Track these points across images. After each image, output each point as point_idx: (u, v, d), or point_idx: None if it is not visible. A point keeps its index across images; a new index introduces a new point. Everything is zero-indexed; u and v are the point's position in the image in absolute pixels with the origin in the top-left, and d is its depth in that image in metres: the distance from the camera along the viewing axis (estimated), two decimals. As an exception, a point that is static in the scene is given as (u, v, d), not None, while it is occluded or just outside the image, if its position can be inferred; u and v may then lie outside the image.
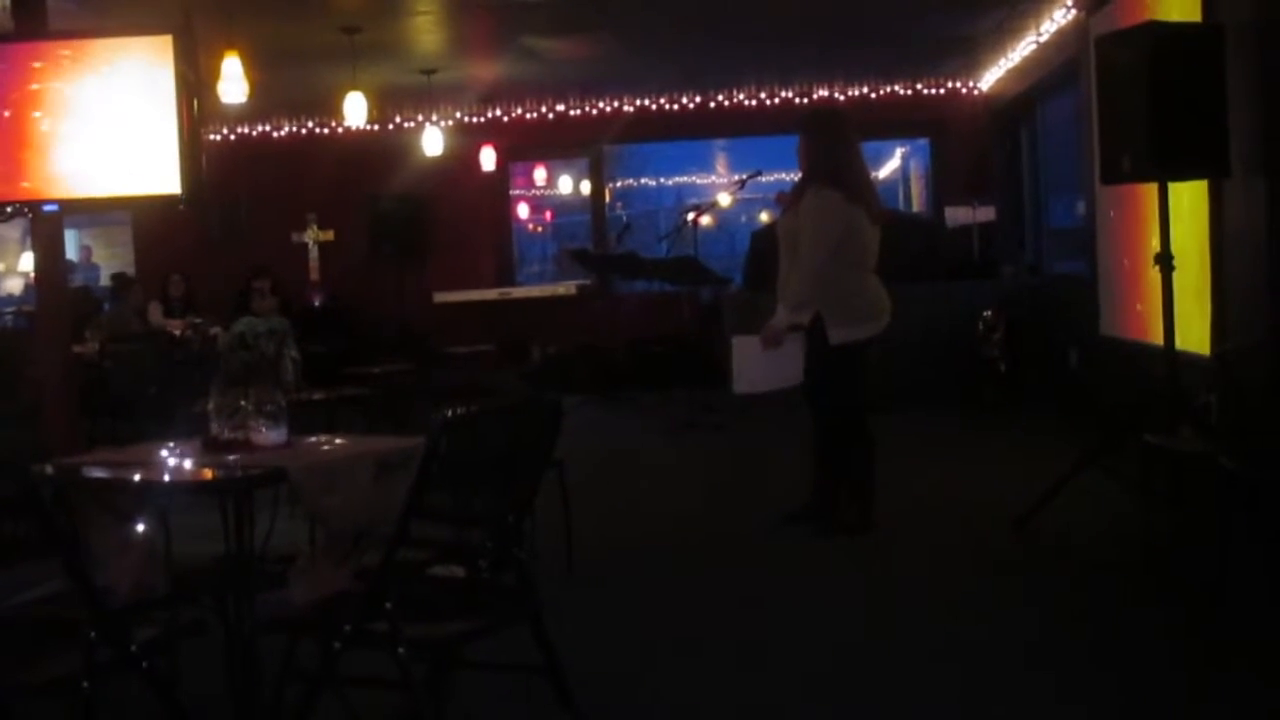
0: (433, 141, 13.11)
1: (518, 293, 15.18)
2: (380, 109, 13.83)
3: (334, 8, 10.00)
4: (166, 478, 3.81)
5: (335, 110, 11.90)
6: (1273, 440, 6.04)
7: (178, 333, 11.62)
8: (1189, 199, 6.88)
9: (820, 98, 14.68)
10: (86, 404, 8.29)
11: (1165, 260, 6.18)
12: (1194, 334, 6.79)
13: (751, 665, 4.77)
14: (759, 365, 6.67)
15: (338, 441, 4.22)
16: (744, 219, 20.96)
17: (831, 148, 6.64)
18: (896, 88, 14.75)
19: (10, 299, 17.61)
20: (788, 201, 6.90)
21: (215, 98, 9.06)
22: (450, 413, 3.53)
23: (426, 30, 11.17)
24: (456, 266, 14.89)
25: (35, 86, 5.70)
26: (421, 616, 3.55)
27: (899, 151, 18.85)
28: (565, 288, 15.22)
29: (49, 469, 3.90)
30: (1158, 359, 6.43)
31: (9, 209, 6.16)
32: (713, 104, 14.95)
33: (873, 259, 6.67)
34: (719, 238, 19.78)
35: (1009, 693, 4.38)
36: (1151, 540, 5.76)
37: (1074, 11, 10.31)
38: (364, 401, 8.36)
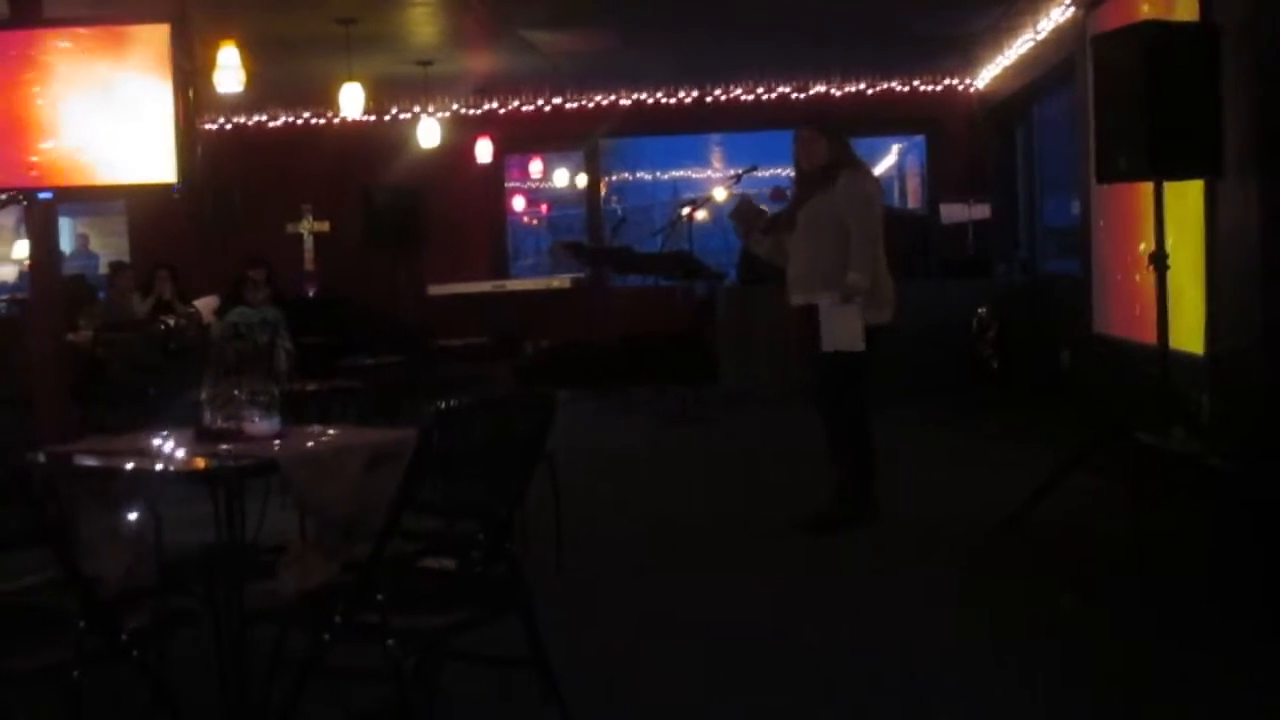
0: (428, 133, 13.10)
1: (512, 285, 15.16)
2: (376, 100, 13.81)
3: (330, -2, 9.99)
4: (158, 467, 3.81)
5: (331, 101, 11.89)
6: (1265, 440, 6.05)
7: (172, 321, 11.60)
8: (1184, 199, 6.89)
9: (816, 94, 14.67)
10: (79, 392, 8.29)
11: (1159, 259, 6.19)
12: (1187, 333, 6.80)
13: (739, 659, 4.77)
14: (841, 320, 6.62)
15: (330, 432, 4.22)
16: (739, 214, 20.92)
17: (845, 140, 6.80)
18: (893, 84, 14.74)
19: (3, 286, 17.57)
20: (809, 186, 6.86)
21: (211, 87, 9.05)
22: (443, 405, 3.54)
23: (423, 21, 11.16)
24: (451, 259, 14.88)
25: (30, 74, 5.69)
26: (411, 608, 3.55)
27: (895, 148, 18.85)
28: (560, 281, 15.20)
29: (40, 457, 3.90)
30: (1151, 358, 6.43)
31: (3, 196, 6.16)
32: (709, 98, 14.95)
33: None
34: (714, 232, 19.70)
35: (999, 690, 4.39)
36: (1142, 540, 5.76)
37: (1071, 10, 10.32)
38: (357, 393, 8.36)
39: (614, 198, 19.48)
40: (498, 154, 14.94)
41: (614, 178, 19.28)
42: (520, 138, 15.51)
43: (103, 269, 15.20)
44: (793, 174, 7.22)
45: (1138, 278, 7.70)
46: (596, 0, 10.27)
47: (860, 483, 6.67)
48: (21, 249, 16.04)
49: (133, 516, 3.94)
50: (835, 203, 6.64)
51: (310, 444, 3.98)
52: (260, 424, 3.98)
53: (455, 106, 14.96)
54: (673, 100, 14.98)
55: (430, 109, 14.03)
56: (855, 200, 6.63)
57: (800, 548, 6.41)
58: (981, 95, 14.62)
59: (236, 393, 4.00)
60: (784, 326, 8.01)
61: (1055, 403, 10.00)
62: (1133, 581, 5.53)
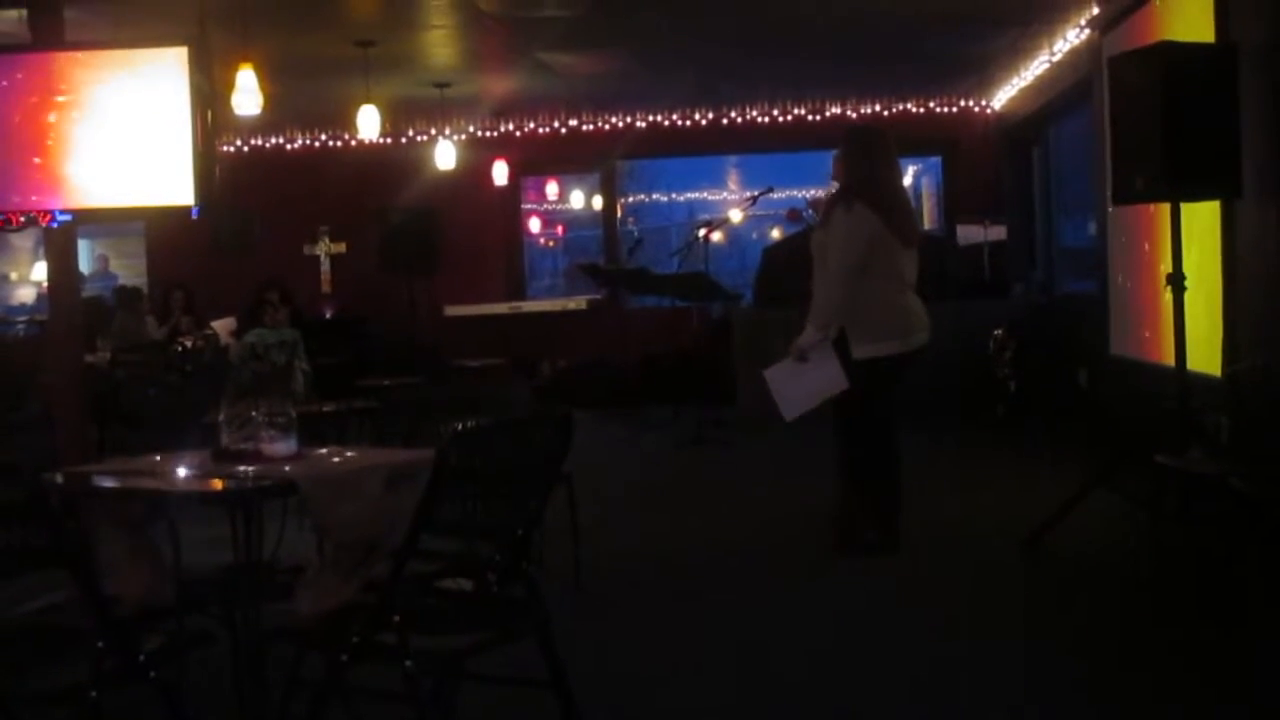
0: (445, 155, 13.14)
1: (528, 307, 15.18)
2: (393, 122, 13.86)
3: (348, 21, 10.03)
4: (176, 487, 3.82)
5: (348, 123, 11.93)
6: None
7: (189, 343, 11.64)
8: (1201, 219, 6.87)
9: (832, 115, 14.69)
10: (97, 413, 8.31)
11: (1177, 281, 6.17)
12: (1205, 355, 6.77)
13: (756, 681, 4.76)
14: (796, 386, 6.64)
15: (348, 453, 4.23)
16: (755, 235, 20.99)
17: (864, 165, 6.62)
18: (909, 105, 14.76)
19: (23, 308, 17.63)
20: (819, 216, 6.89)
21: (229, 109, 9.07)
22: (460, 425, 3.54)
23: (440, 44, 11.20)
24: (468, 280, 14.91)
25: (50, 96, 5.73)
26: (429, 629, 3.55)
27: (911, 169, 18.84)
28: (576, 302, 15.22)
29: (59, 477, 3.91)
30: (1168, 379, 6.41)
31: (23, 218, 6.18)
32: (725, 120, 14.97)
33: (905, 277, 6.64)
34: (730, 254, 19.79)
35: (1014, 713, 4.37)
36: (1161, 561, 5.74)
37: (1087, 31, 10.32)
38: (374, 413, 8.37)
39: (630, 219, 19.52)
40: (514, 176, 14.97)
41: (630, 199, 19.32)
42: (537, 160, 15.55)
43: (122, 290, 15.25)
44: (809, 195, 7.19)
45: (1155, 299, 7.69)
46: (613, 22, 10.29)
47: (888, 513, 6.63)
48: (41, 270, 16.12)
49: (151, 537, 3.95)
50: (825, 241, 6.60)
51: (328, 465, 3.99)
52: (278, 445, 3.99)
53: (472, 129, 15.00)
54: (689, 122, 15.01)
55: (447, 131, 14.07)
56: (836, 237, 6.53)
57: (819, 570, 6.39)
58: (998, 116, 14.62)
59: (254, 414, 4.01)
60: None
61: (1073, 423, 9.97)
62: (1150, 601, 5.51)
